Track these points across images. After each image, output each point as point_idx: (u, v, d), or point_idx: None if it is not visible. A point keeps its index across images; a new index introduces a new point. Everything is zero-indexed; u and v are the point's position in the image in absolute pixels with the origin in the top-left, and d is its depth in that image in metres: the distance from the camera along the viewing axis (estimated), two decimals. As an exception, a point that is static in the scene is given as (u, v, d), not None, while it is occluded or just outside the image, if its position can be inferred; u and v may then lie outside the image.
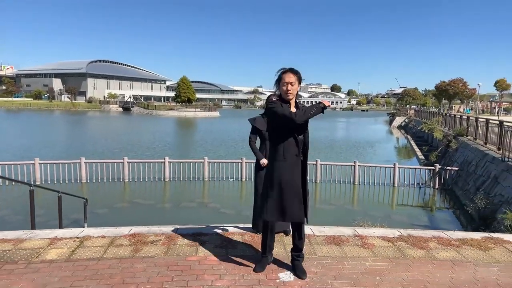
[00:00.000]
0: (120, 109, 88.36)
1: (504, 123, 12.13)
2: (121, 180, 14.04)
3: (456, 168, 14.32)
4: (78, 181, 13.67)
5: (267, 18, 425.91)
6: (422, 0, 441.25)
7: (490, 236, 4.54)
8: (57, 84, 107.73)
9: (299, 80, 3.19)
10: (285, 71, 3.19)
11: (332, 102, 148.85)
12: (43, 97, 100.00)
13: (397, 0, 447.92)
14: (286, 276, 3.30)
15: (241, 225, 4.70)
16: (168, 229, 4.44)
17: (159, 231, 4.38)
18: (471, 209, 10.54)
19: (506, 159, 10.51)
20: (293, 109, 3.24)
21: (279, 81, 3.20)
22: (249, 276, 3.29)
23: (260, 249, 3.86)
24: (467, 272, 3.51)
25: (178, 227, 4.54)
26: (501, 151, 11.33)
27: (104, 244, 3.95)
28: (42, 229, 4.53)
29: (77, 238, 4.12)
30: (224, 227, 4.56)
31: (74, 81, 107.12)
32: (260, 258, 3.48)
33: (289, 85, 3.15)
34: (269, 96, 4.08)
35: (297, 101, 3.33)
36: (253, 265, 3.48)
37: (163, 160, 14.63)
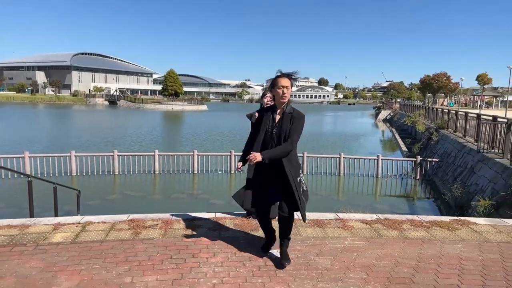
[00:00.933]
0: (106, 102, 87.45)
1: (481, 116, 12.74)
2: (111, 173, 14.24)
3: (437, 160, 14.95)
4: (69, 174, 13.82)
5: (254, 11, 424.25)
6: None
7: (458, 219, 5.00)
8: (40, 77, 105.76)
9: (292, 85, 3.45)
10: (281, 75, 3.37)
11: (320, 96, 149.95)
12: (26, 90, 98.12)
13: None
14: (274, 253, 3.67)
15: (232, 211, 5.06)
16: (164, 215, 4.77)
17: (156, 217, 4.70)
18: (448, 198, 11.14)
19: (482, 150, 11.09)
20: (279, 115, 3.42)
21: (273, 86, 3.37)
22: (240, 254, 3.66)
23: (248, 232, 4.23)
24: (434, 248, 3.95)
25: (173, 213, 4.87)
26: (477, 143, 11.93)
27: (105, 229, 4.26)
28: (44, 217, 4.80)
29: (79, 223, 4.42)
30: (216, 214, 4.91)
31: (58, 74, 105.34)
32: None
33: (285, 89, 3.32)
34: (264, 93, 4.38)
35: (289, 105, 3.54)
36: (244, 245, 3.85)
37: (152, 153, 14.87)
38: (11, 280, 3.09)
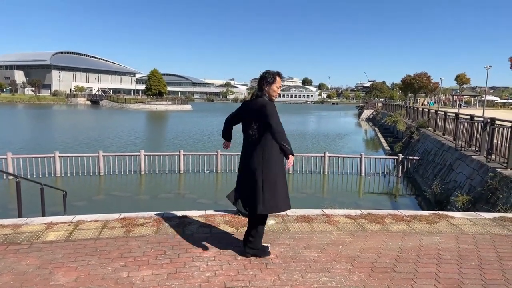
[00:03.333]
0: (88, 102, 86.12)
1: (459, 116, 13.21)
2: (97, 174, 14.15)
3: (417, 158, 15.41)
4: (53, 175, 13.67)
5: (237, 10, 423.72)
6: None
7: (436, 213, 5.28)
8: (19, 77, 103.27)
9: None
10: (279, 75, 3.61)
11: (304, 96, 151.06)
12: (4, 90, 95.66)
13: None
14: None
15: (222, 209, 5.20)
16: (155, 214, 4.87)
17: (147, 215, 4.80)
18: (429, 194, 11.53)
19: (460, 148, 11.53)
20: None
21: (272, 82, 3.56)
22: (231, 248, 3.81)
23: (239, 227, 4.38)
24: (414, 240, 4.19)
25: (164, 212, 4.97)
26: (456, 141, 12.37)
27: (98, 227, 4.34)
28: (35, 217, 4.84)
29: (72, 222, 4.49)
30: (206, 211, 5.04)
31: (38, 74, 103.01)
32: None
33: (279, 89, 3.66)
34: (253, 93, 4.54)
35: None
36: (234, 240, 4.00)
37: (138, 153, 14.84)
38: (9, 277, 3.16)
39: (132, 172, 14.49)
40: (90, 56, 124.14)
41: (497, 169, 8.30)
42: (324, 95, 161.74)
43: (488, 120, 9.76)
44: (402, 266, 3.55)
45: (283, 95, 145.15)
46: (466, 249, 4.01)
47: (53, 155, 13.87)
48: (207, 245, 3.88)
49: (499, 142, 9.05)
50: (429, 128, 17.99)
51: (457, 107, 47.04)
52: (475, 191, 8.80)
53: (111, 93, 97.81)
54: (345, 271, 3.41)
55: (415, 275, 3.38)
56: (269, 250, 3.75)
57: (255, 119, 3.50)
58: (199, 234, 4.17)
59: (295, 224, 4.58)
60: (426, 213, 5.29)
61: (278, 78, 3.59)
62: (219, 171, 14.85)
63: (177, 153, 15.13)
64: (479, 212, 5.71)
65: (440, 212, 5.36)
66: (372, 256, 3.73)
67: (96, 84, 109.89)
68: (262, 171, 3.46)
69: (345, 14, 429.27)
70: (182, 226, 4.42)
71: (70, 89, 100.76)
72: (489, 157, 9.33)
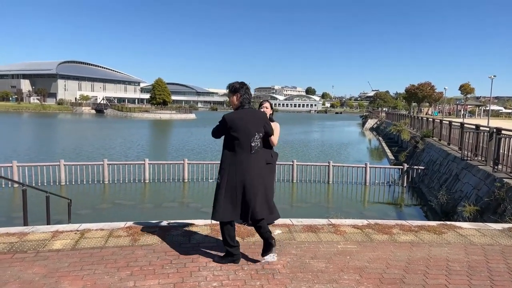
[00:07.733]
0: (93, 111, 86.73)
1: (465, 125, 13.15)
2: (101, 182, 14.16)
3: (423, 167, 15.31)
4: (57, 184, 13.69)
5: (241, 20, 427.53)
6: (391, 5, 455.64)
7: (444, 223, 5.22)
8: (25, 86, 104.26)
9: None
10: None
11: (307, 105, 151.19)
12: (10, 99, 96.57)
13: (367, 4, 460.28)
14: (270, 257, 3.80)
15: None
16: (161, 223, 4.86)
17: (153, 224, 4.79)
18: (434, 204, 11.44)
19: (466, 158, 11.45)
20: None
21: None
22: (238, 258, 3.77)
23: (244, 237, 4.35)
24: (422, 251, 4.14)
25: (170, 221, 4.96)
26: (461, 151, 12.30)
27: (104, 236, 4.33)
28: (40, 225, 4.84)
29: (78, 231, 4.48)
30: (212, 220, 5.00)
31: (43, 83, 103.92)
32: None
33: None
34: (261, 103, 4.58)
35: None
36: (241, 250, 3.96)
37: (143, 162, 14.86)
38: (15, 285, 3.15)
39: (137, 181, 14.50)
40: (95, 66, 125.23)
41: (504, 179, 8.22)
42: (327, 105, 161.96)
43: (494, 129, 9.70)
44: (411, 277, 3.50)
45: (287, 105, 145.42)
46: (476, 260, 3.96)
47: (58, 163, 13.91)
48: (214, 254, 3.85)
49: (505, 152, 8.98)
50: (434, 138, 17.91)
51: (461, 116, 46.86)
52: (482, 202, 8.71)
53: (115, 102, 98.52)
54: (353, 282, 3.36)
55: (425, 286, 3.33)
56: None
57: (260, 130, 3.59)
58: (205, 244, 4.14)
59: (301, 234, 4.54)
60: (433, 223, 5.24)
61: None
62: (223, 180, 14.78)
63: (182, 162, 15.14)
64: (487, 222, 5.65)
65: (448, 222, 5.30)
66: (380, 267, 3.69)
67: (101, 93, 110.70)
68: (265, 181, 3.64)
69: (348, 24, 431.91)
70: (188, 235, 4.40)
71: (75, 98, 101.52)
72: (496, 167, 9.26)
